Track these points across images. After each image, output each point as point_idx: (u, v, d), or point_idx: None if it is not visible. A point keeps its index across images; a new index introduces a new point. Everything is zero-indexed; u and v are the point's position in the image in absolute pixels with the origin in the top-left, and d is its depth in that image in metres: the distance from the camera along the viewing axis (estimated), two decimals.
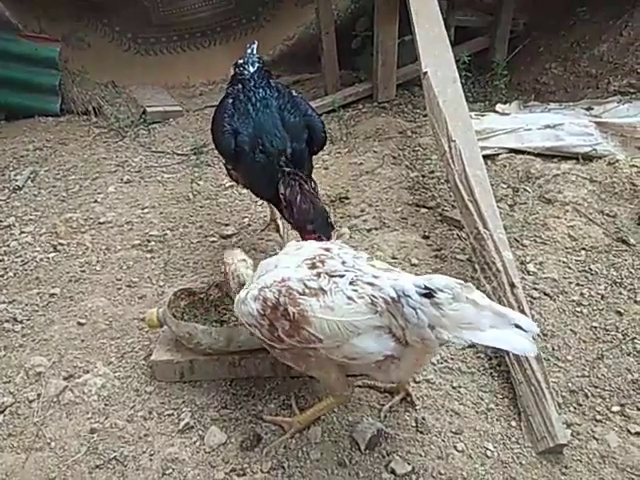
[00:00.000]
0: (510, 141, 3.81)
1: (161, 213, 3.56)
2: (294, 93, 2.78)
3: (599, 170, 3.37)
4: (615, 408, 2.10)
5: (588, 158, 3.55)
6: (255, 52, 2.94)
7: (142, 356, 2.43)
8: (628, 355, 2.30)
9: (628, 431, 2.01)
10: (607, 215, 3.06)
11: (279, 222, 3.21)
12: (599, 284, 2.66)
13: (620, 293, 2.61)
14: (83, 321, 2.66)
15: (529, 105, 4.65)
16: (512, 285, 2.31)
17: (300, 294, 1.78)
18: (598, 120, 3.86)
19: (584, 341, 2.38)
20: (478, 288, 2.53)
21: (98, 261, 3.12)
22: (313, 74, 5.59)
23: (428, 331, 1.61)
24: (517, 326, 1.59)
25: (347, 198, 3.54)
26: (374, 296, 1.70)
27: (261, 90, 2.69)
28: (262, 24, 5.72)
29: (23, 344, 2.56)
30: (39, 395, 2.26)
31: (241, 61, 2.93)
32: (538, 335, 2.26)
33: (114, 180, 4.01)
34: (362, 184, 3.68)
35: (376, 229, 3.22)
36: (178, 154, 4.39)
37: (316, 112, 2.77)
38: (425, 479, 1.87)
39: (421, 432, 2.03)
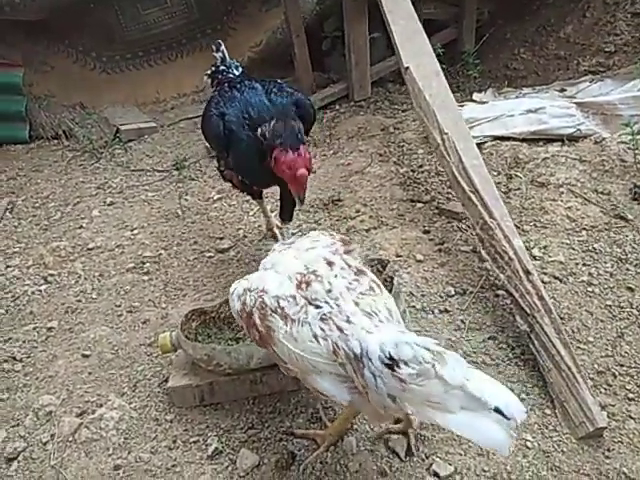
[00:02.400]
0: (494, 129, 3.81)
1: (152, 233, 3.44)
2: (279, 81, 2.77)
3: (587, 150, 3.40)
4: None
5: (573, 139, 3.58)
6: (226, 53, 2.93)
7: (156, 383, 2.34)
8: None
9: None
10: (602, 193, 3.08)
11: (276, 231, 3.15)
12: (605, 262, 2.67)
13: (627, 269, 2.62)
14: (87, 353, 2.54)
15: (503, 92, 4.69)
16: (527, 272, 2.29)
17: (272, 311, 1.66)
18: (577, 101, 3.90)
19: (601, 320, 2.38)
20: (490, 279, 2.59)
21: (93, 289, 2.99)
22: (285, 78, 5.52)
23: (389, 401, 1.44)
24: (497, 410, 1.36)
25: (340, 200, 3.48)
26: (337, 345, 1.53)
27: (247, 81, 2.70)
28: (228, 33, 5.61)
29: (27, 383, 2.43)
30: (53, 436, 2.14)
31: (222, 67, 2.89)
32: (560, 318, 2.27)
33: (97, 203, 3.87)
34: (353, 184, 3.63)
35: (375, 228, 3.18)
36: (159, 171, 4.27)
37: (304, 94, 2.77)
38: (470, 479, 1.84)
39: None
